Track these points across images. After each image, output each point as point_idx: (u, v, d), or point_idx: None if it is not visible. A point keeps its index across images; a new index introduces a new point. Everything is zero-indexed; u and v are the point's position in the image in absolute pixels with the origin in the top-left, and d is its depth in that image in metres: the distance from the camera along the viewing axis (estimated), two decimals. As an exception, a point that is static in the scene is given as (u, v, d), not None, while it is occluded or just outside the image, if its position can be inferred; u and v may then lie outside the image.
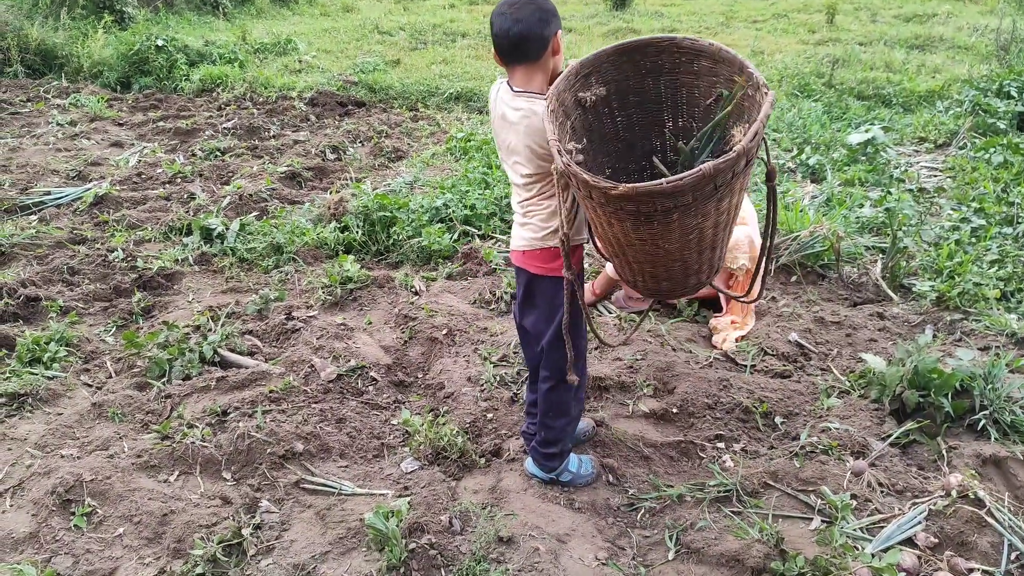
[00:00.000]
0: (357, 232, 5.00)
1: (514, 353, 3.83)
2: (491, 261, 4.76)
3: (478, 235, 5.09)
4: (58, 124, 7.58)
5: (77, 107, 8.15)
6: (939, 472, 3.00)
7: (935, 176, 5.88)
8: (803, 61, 9.27)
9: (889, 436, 3.13)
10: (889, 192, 5.14)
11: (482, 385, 3.60)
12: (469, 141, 6.75)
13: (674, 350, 3.84)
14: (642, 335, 3.96)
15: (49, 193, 5.93)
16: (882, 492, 2.90)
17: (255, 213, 5.43)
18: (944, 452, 3.04)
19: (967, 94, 6.98)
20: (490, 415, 3.42)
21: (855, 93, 7.94)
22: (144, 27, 9.82)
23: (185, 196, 5.85)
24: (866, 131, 5.91)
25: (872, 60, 9.30)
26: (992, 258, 4.39)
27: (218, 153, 6.88)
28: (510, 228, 5.22)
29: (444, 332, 4.01)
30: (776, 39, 11.25)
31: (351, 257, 4.66)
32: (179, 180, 6.21)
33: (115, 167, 6.52)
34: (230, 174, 6.33)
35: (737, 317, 4.06)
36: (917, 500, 2.86)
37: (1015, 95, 6.67)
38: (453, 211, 5.15)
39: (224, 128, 7.48)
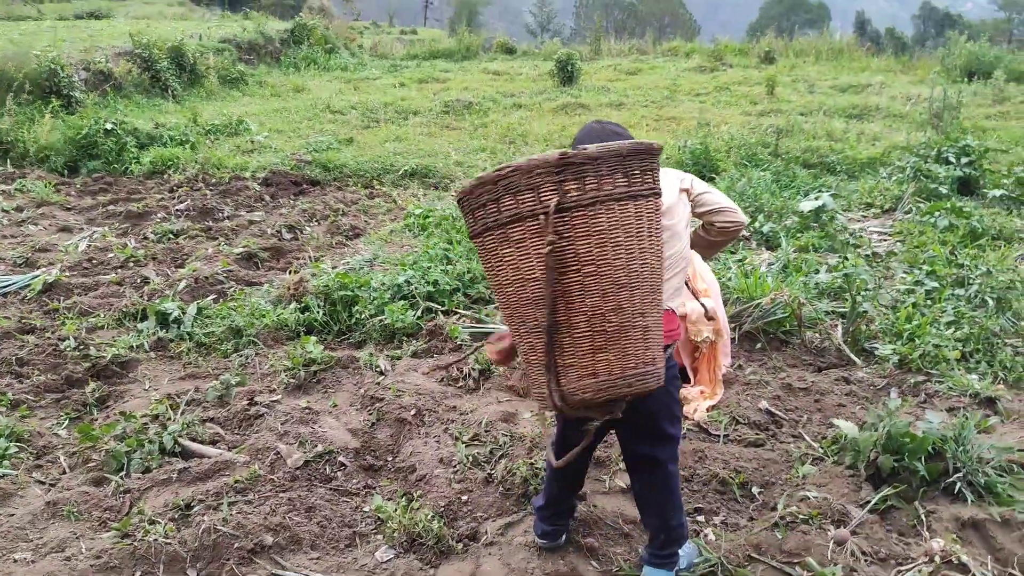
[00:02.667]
0: (318, 312, 4.92)
1: (485, 432, 3.76)
2: (456, 337, 4.71)
3: (441, 311, 5.05)
4: (3, 210, 7.41)
5: (23, 192, 8.00)
6: (919, 537, 2.99)
7: (885, 240, 6.04)
8: (748, 132, 9.55)
9: (868, 503, 3.13)
10: (845, 258, 5.26)
11: (455, 466, 3.52)
12: (427, 217, 6.76)
13: (647, 422, 3.81)
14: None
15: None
16: (866, 561, 2.87)
17: (212, 296, 5.32)
18: (923, 517, 3.04)
19: (908, 161, 7.25)
20: (464, 497, 3.33)
21: (800, 161, 8.20)
22: (92, 111, 9.75)
23: (139, 280, 5.72)
24: (816, 198, 6.07)
25: (814, 129, 9.65)
26: (948, 319, 4.49)
27: (171, 236, 6.77)
28: (474, 303, 5.22)
29: (412, 412, 3.94)
30: (720, 111, 11.63)
31: (313, 338, 4.58)
32: (131, 264, 6.09)
33: (64, 253, 6.37)
34: (184, 257, 6.23)
35: (706, 387, 4.06)
36: (902, 568, 2.84)
37: (953, 161, 6.94)
38: (416, 288, 5.11)
39: (177, 210, 7.39)
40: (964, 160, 6.85)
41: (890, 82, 13.57)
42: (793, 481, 3.39)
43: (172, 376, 4.50)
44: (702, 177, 7.80)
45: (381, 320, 4.82)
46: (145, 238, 6.80)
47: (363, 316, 4.88)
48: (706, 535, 3.08)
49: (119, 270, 5.99)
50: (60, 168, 8.92)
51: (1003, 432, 3.53)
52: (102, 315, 5.17)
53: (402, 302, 5.01)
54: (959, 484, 3.11)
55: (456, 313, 5.07)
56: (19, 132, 9.19)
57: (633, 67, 16.92)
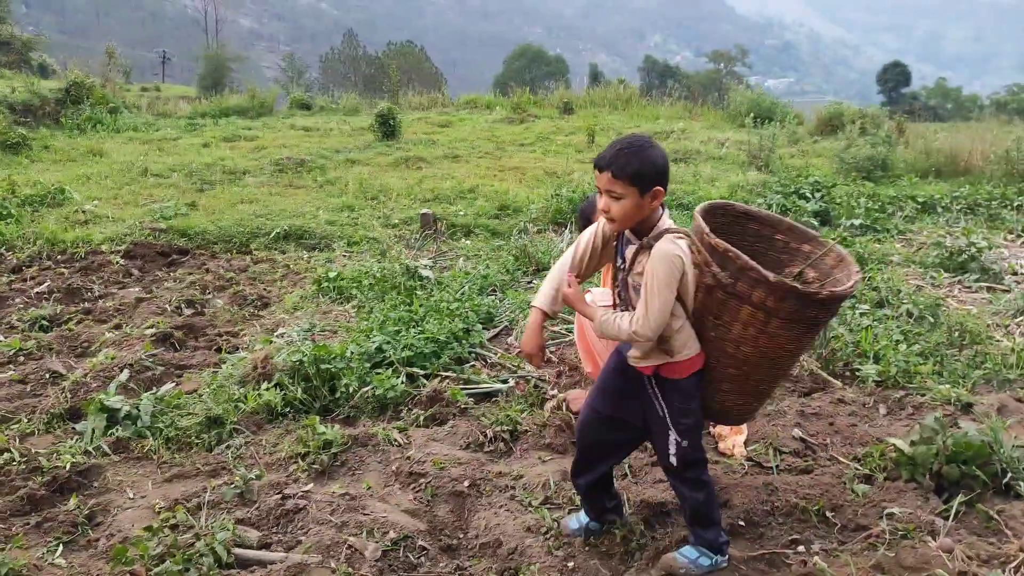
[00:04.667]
0: (297, 390, 4.54)
1: (555, 493, 3.66)
2: (459, 401, 4.54)
3: (423, 376, 4.84)
4: None
5: None
6: (1001, 536, 3.30)
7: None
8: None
9: (947, 511, 3.40)
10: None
11: (545, 533, 3.39)
12: (341, 279, 6.45)
13: (714, 463, 3.89)
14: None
15: None
16: (976, 564, 3.12)
17: (170, 385, 4.73)
18: (997, 517, 3.36)
19: (772, 198, 7.98)
20: (571, 564, 3.23)
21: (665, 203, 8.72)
22: None
23: (47, 376, 4.96)
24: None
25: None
26: (896, 338, 5.00)
27: (45, 323, 5.93)
28: (458, 364, 5.05)
29: (467, 484, 3.75)
30: (554, 160, 12.11)
31: (316, 418, 4.21)
32: (22, 359, 5.26)
33: (-79, 354, 5.37)
34: (84, 344, 5.48)
35: (735, 422, 4.21)
36: (1007, 564, 3.11)
37: (809, 196, 7.75)
38: (393, 354, 4.87)
39: (36, 293, 6.48)
40: (818, 195, 7.68)
41: (688, 127, 14.85)
42: (858, 501, 3.60)
43: (155, 480, 3.94)
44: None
45: (371, 390, 4.53)
46: (11, 327, 5.90)
47: (350, 390, 4.56)
48: (814, 563, 3.19)
49: (10, 366, 5.15)
50: None
51: (1015, 433, 3.98)
52: (24, 420, 4.42)
53: (382, 370, 4.74)
54: (1018, 484, 3.47)
55: (439, 376, 4.88)
56: None
57: (443, 119, 17.18)
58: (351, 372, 4.64)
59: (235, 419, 4.31)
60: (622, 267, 2.88)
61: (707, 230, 2.74)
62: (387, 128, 14.27)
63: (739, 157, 11.40)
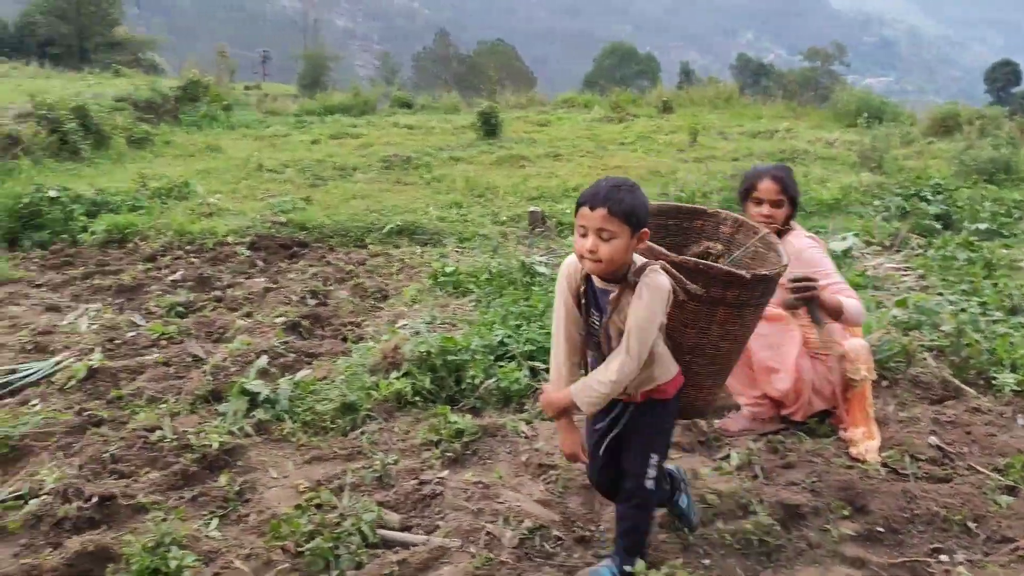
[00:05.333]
0: (425, 380, 4.67)
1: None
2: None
3: (543, 370, 4.92)
4: (-38, 292, 6.61)
5: (-28, 271, 7.15)
6: None
7: (906, 275, 6.44)
8: (704, 179, 9.93)
9: (1100, 524, 3.29)
10: (907, 294, 5.56)
11: (676, 528, 3.42)
12: (460, 275, 6.59)
13: (848, 468, 3.85)
14: (801, 456, 3.95)
15: (14, 371, 5.10)
16: None
17: (307, 371, 4.95)
18: None
19: (890, 200, 7.79)
20: (707, 561, 3.24)
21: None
22: (28, 177, 8.90)
23: (188, 359, 5.24)
24: (843, 239, 6.41)
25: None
26: (1033, 345, 4.82)
27: (181, 309, 6.25)
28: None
29: (597, 477, 3.80)
30: (656, 159, 12.07)
31: (447, 408, 4.35)
32: (164, 343, 5.56)
33: (71, 334, 5.74)
34: (220, 330, 5.76)
35: (867, 428, 4.15)
36: None
37: (931, 198, 7.53)
38: (515, 347, 4.96)
39: (171, 281, 6.84)
40: (939, 197, 7.46)
41: (794, 127, 14.56)
42: (1003, 512, 3.51)
43: (295, 461, 4.13)
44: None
45: (495, 383, 4.64)
46: (150, 313, 6.24)
47: (476, 381, 4.68)
48: (960, 573, 3.13)
49: (153, 349, 5.46)
50: (-1, 242, 8.06)
51: None
52: (171, 400, 4.68)
53: (505, 363, 4.85)
54: None
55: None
56: (-57, 203, 8.25)
57: (541, 118, 17.31)
58: (476, 364, 4.75)
59: (368, 406, 4.48)
60: (599, 318, 2.78)
61: (665, 252, 2.80)
62: (489, 127, 14.47)
63: (849, 158, 11.14)
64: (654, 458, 2.91)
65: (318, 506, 3.61)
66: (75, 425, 4.37)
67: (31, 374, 5.07)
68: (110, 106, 13.81)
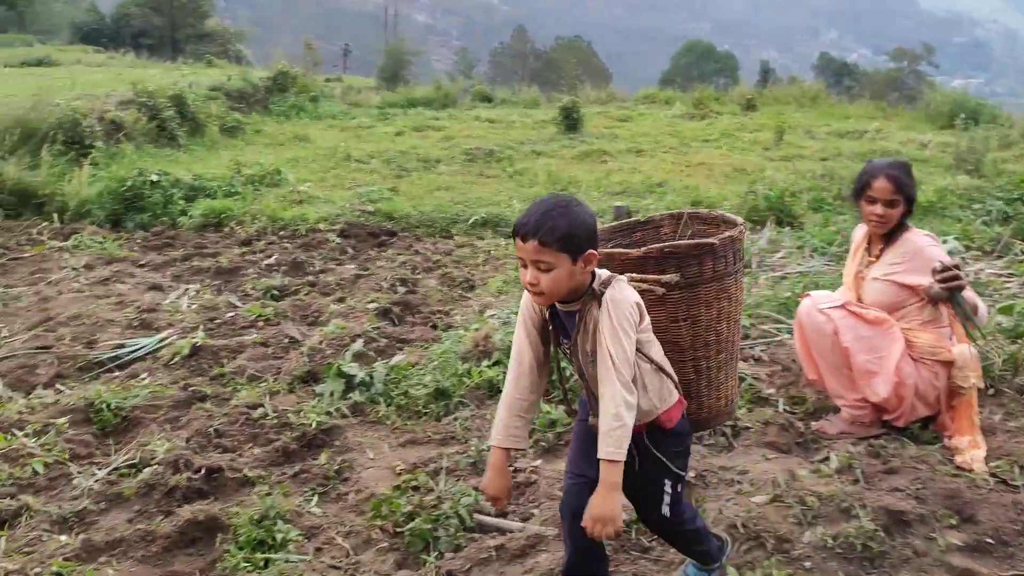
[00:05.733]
0: (515, 370, 4.71)
1: (785, 492, 3.63)
2: (673, 391, 4.58)
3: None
4: (73, 269, 6.91)
5: (80, 249, 7.48)
6: None
7: (1009, 281, 6.21)
8: (792, 178, 9.74)
9: None
10: (1011, 300, 5.36)
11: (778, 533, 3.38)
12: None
13: (954, 476, 3.75)
14: (904, 461, 3.86)
15: (122, 346, 5.33)
16: None
17: (401, 355, 5.05)
18: None
19: (991, 204, 7.53)
20: (807, 564, 3.20)
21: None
22: (130, 162, 9.27)
23: (285, 341, 5.39)
24: (944, 242, 6.20)
25: (852, 175, 9.90)
26: None
27: (275, 292, 6.43)
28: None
29: (692, 474, 3.78)
30: (741, 157, 11.91)
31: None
32: (262, 324, 5.74)
33: (174, 313, 5.96)
34: (315, 314, 5.91)
35: (972, 436, 4.03)
36: None
37: (1032, 202, 7.25)
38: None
39: (266, 265, 7.04)
40: (1043, 202, 7.18)
41: (884, 127, 14.17)
42: (1119, 529, 3.37)
43: (390, 443, 4.22)
44: (780, 224, 7.90)
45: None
46: (247, 295, 6.44)
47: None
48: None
49: (251, 330, 5.63)
50: (103, 222, 8.40)
51: None
52: (271, 380, 4.83)
53: (596, 356, 4.85)
54: None
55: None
56: (55, 185, 8.64)
57: (621, 114, 17.24)
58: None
59: (461, 392, 4.54)
60: (568, 340, 2.55)
61: (623, 251, 2.68)
62: (570, 121, 14.48)
63: (943, 160, 10.79)
64: (667, 484, 2.65)
65: (415, 488, 3.68)
66: (181, 400, 4.55)
67: (137, 349, 5.29)
68: (204, 95, 14.28)
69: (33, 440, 4.02)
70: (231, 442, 4.14)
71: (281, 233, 8.05)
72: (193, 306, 6.14)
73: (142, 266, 7.22)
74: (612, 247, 3.00)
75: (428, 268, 7.03)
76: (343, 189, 9.93)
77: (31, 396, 4.62)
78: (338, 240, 7.78)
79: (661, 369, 2.57)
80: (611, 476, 2.37)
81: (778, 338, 5.32)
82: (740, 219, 2.83)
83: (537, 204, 2.39)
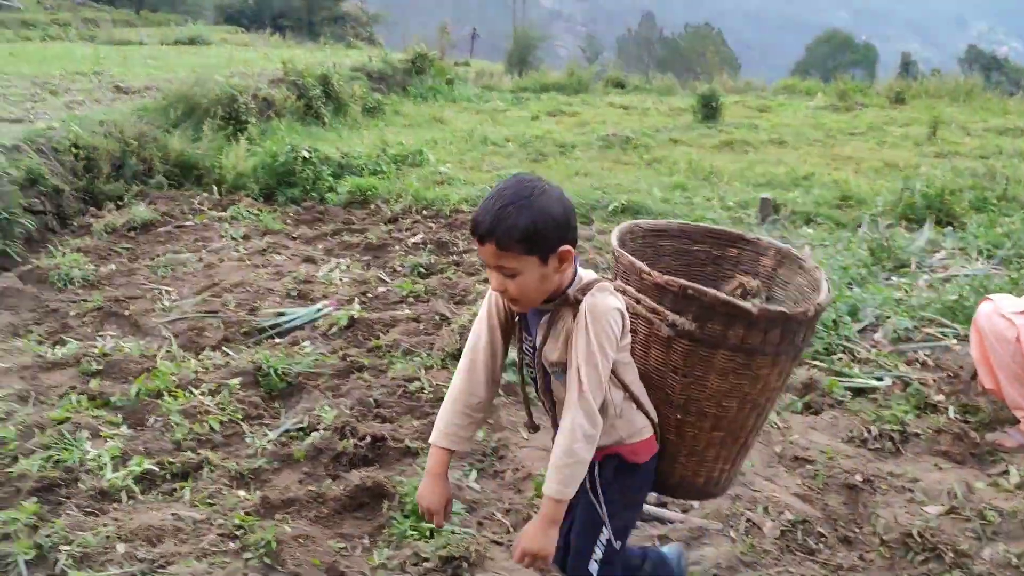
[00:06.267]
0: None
1: (963, 505, 3.46)
2: (834, 392, 4.43)
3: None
4: (232, 238, 7.26)
5: (238, 220, 7.84)
6: None
7: None
8: (950, 176, 9.22)
9: None
10: None
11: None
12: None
13: None
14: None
15: (282, 315, 5.56)
16: None
17: None
18: None
19: None
20: None
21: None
22: (281, 138, 9.65)
23: (436, 317, 5.49)
24: None
25: (1016, 174, 9.30)
26: None
27: (422, 270, 6.56)
28: (826, 354, 4.93)
29: (859, 478, 3.65)
30: (891, 152, 11.37)
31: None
32: (412, 300, 5.87)
33: (326, 284, 6.16)
34: (462, 292, 6.00)
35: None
36: None
37: None
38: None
39: (412, 243, 7.20)
40: None
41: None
42: None
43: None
44: (939, 224, 7.49)
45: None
46: (394, 271, 6.60)
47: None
48: None
49: (402, 305, 5.77)
50: (256, 195, 8.78)
51: None
52: (424, 354, 4.93)
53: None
54: None
55: (805, 364, 4.78)
56: (214, 158, 9.09)
57: (760, 104, 16.77)
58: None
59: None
60: (529, 350, 2.27)
61: (645, 269, 2.22)
62: (708, 110, 14.18)
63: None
64: (604, 534, 2.27)
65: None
66: (341, 369, 4.70)
67: (297, 319, 5.51)
68: (347, 75, 14.69)
69: (209, 398, 4.24)
70: (390, 412, 4.25)
71: (424, 212, 8.21)
72: (345, 279, 6.34)
73: (295, 239, 7.50)
74: (698, 249, 2.67)
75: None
76: (481, 171, 10.03)
77: (201, 357, 4.87)
78: (480, 222, 7.87)
79: (635, 401, 2.25)
80: (553, 513, 2.09)
81: (943, 342, 5.07)
82: (823, 295, 2.25)
83: (494, 194, 2.02)
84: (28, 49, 18.70)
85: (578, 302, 2.05)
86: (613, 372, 2.13)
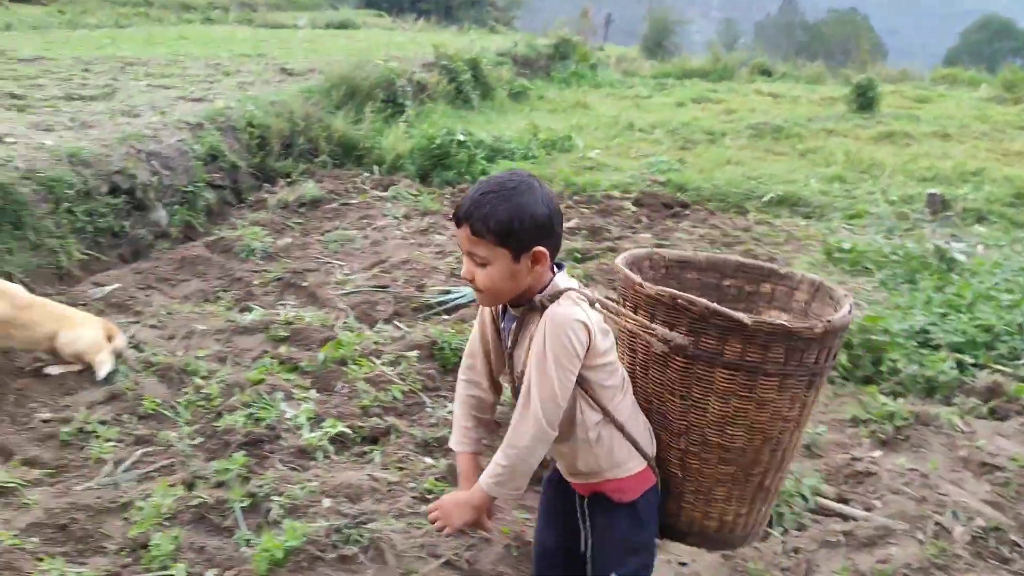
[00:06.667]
0: (841, 356, 4.56)
1: None
2: (1020, 398, 4.25)
3: (970, 364, 4.59)
4: (394, 217, 7.54)
5: (398, 199, 8.13)
6: None
7: None
8: None
9: None
10: None
11: None
12: (857, 252, 6.33)
13: None
14: None
15: (448, 292, 5.76)
16: None
17: None
18: None
19: None
20: None
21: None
22: (438, 121, 9.94)
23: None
24: None
25: None
26: None
27: (577, 254, 6.64)
28: (1011, 359, 4.72)
29: (1056, 488, 3.50)
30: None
31: (876, 388, 4.23)
32: (571, 283, 5.96)
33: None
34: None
35: None
36: None
37: None
38: (941, 337, 4.68)
39: (567, 228, 7.29)
40: None
41: None
42: None
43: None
44: None
45: (921, 372, 4.41)
46: (549, 254, 6.71)
47: (897, 365, 4.49)
48: None
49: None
50: (413, 176, 9.07)
51: None
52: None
53: (929, 352, 4.60)
54: None
55: (988, 368, 4.59)
56: (375, 140, 9.45)
57: (918, 94, 16.00)
58: (897, 347, 4.56)
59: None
60: (508, 350, 2.14)
61: (638, 280, 2.11)
62: (864, 100, 13.63)
63: None
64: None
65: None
66: (509, 348, 4.84)
67: (462, 296, 5.69)
68: (494, 60, 14.92)
69: (389, 368, 4.45)
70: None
71: (576, 198, 8.28)
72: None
73: (451, 219, 7.72)
74: (729, 285, 2.52)
75: (727, 243, 6.94)
76: (629, 158, 10.01)
77: (376, 329, 5.11)
78: (633, 209, 7.89)
79: (620, 429, 2.07)
80: (480, 500, 2.06)
81: None
82: (839, 314, 2.09)
83: (483, 181, 2.02)
84: (193, 32, 19.83)
85: (544, 308, 1.97)
86: (586, 391, 2.02)
